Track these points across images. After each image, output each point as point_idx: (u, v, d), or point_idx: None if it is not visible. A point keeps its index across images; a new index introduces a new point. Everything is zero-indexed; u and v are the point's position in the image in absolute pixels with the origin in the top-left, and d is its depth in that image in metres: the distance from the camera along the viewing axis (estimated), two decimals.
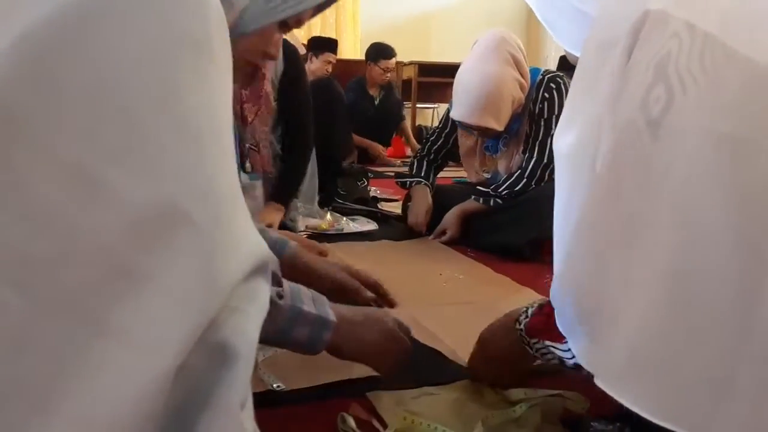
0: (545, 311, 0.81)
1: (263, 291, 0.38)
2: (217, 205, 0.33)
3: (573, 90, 0.64)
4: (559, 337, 0.75)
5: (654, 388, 0.53)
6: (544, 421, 0.86)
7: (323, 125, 2.13)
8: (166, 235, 0.30)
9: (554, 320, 0.72)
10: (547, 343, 0.79)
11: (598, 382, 0.57)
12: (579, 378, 0.86)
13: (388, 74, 4.31)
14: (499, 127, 1.84)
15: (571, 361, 0.75)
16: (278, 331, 0.83)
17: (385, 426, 0.85)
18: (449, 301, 1.13)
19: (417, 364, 1.05)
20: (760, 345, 0.49)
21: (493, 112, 1.82)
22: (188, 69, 0.32)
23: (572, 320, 0.64)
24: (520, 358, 0.89)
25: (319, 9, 0.83)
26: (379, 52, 4.19)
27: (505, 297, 1.33)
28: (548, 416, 0.87)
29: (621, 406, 0.84)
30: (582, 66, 0.64)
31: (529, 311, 0.85)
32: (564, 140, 0.63)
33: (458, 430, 0.83)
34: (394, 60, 4.28)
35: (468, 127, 1.94)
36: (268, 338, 0.83)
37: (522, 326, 0.85)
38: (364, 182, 2.58)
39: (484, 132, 1.92)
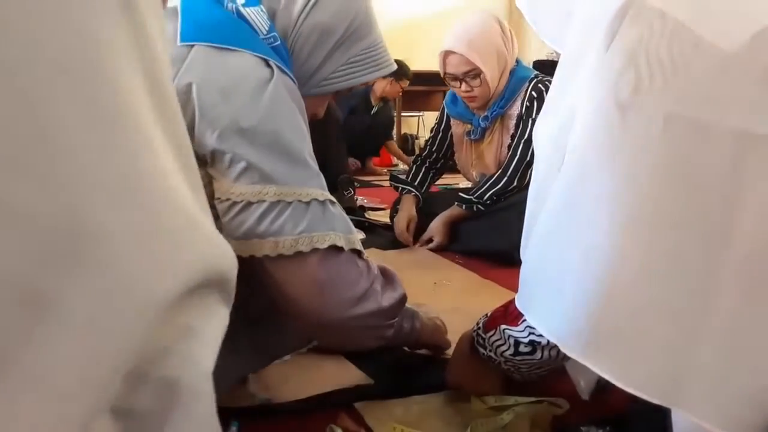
0: (503, 305, 0.84)
1: (218, 312, 0.32)
2: (139, 207, 0.28)
3: (555, 81, 0.66)
4: (515, 321, 0.78)
5: (619, 356, 0.55)
6: (533, 427, 0.86)
7: (317, 143, 2.11)
8: (76, 254, 0.25)
9: (512, 307, 0.74)
10: (503, 327, 0.80)
11: (565, 349, 0.58)
12: (560, 386, 0.87)
13: (400, 93, 4.54)
14: (483, 66, 1.88)
15: (527, 339, 0.77)
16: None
17: None
18: (438, 308, 1.13)
19: (405, 373, 1.04)
20: (720, 320, 0.51)
21: (477, 48, 1.89)
22: (102, 36, 0.27)
23: (534, 295, 0.65)
24: (485, 369, 0.89)
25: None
26: (403, 72, 4.28)
27: (492, 303, 1.33)
28: (537, 423, 0.87)
29: (608, 410, 0.85)
30: (564, 57, 0.65)
31: (488, 314, 0.87)
32: (543, 128, 0.65)
33: None
34: (408, 82, 4.43)
35: (454, 77, 1.96)
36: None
37: (480, 326, 0.87)
38: (351, 192, 2.58)
39: (469, 79, 1.93)
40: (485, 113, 2.00)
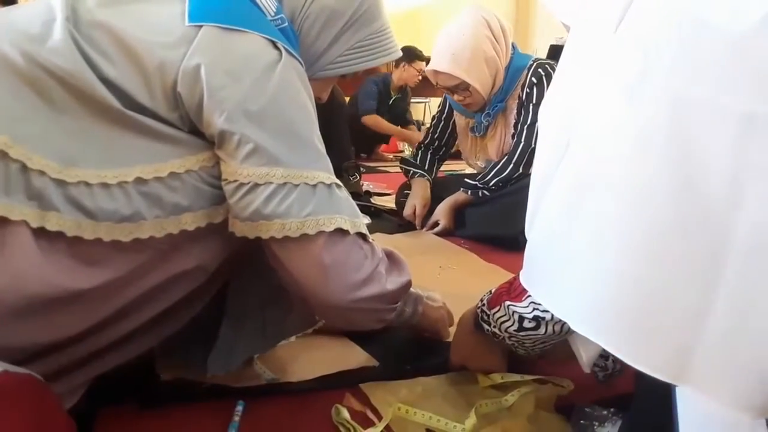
0: (507, 282, 0.85)
1: None
2: None
3: (561, 63, 0.66)
4: (519, 297, 0.79)
5: (627, 333, 0.55)
6: (538, 408, 0.86)
7: (321, 128, 2.11)
8: None
9: (516, 284, 0.75)
10: (508, 303, 0.81)
11: (573, 325, 0.58)
12: (564, 365, 0.88)
13: (420, 76, 4.24)
14: (470, 79, 1.86)
15: (531, 315, 0.78)
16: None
17: (379, 417, 0.85)
18: (443, 291, 1.13)
19: (410, 355, 1.05)
20: (726, 298, 0.50)
21: (462, 63, 1.86)
22: None
23: (540, 272, 0.66)
24: (489, 345, 0.91)
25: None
26: (413, 53, 4.14)
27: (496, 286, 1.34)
28: (542, 404, 0.88)
29: (613, 390, 0.85)
30: (572, 39, 0.65)
31: (492, 290, 0.88)
32: (550, 109, 0.65)
33: (452, 419, 0.83)
34: (425, 62, 4.19)
35: (446, 89, 1.96)
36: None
37: (484, 302, 0.88)
38: (357, 177, 2.59)
39: (460, 90, 1.92)
40: (486, 110, 2.00)
